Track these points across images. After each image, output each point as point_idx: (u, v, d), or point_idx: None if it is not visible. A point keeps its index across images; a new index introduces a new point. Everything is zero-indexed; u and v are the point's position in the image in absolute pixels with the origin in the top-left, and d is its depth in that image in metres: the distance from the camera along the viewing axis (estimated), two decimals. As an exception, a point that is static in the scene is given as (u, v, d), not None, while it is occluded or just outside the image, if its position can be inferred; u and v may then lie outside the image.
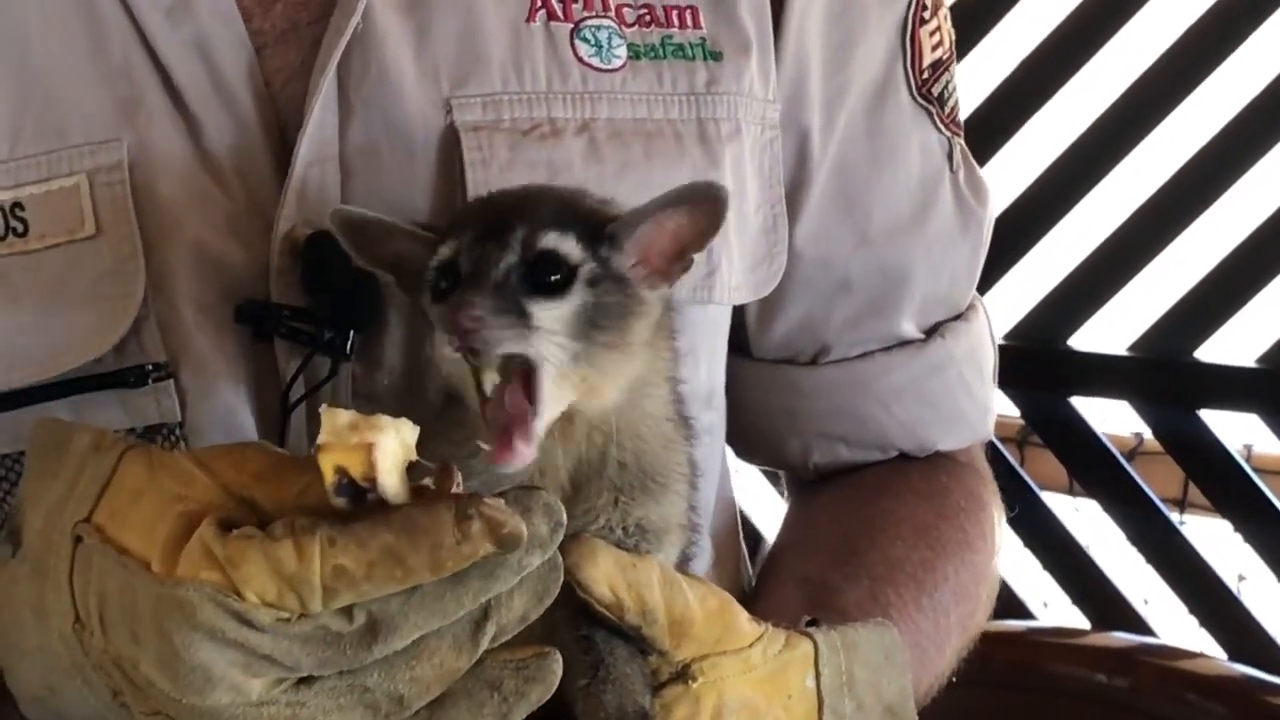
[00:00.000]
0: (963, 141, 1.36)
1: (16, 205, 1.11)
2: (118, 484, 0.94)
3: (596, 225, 0.98)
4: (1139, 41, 2.65)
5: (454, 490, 0.87)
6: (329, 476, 0.86)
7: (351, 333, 1.10)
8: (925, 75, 1.32)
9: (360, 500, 0.86)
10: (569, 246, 0.96)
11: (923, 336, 1.36)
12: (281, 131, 1.13)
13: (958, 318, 1.38)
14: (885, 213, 1.31)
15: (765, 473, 2.66)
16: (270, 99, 1.13)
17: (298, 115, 1.12)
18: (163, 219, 1.11)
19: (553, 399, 0.93)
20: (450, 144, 1.14)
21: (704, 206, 0.99)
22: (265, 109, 1.13)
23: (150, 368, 1.10)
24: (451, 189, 1.14)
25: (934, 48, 1.32)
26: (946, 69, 1.34)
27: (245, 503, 0.91)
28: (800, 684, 1.02)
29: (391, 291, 1.11)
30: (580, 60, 1.18)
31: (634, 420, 1.00)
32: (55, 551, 0.94)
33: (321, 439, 0.86)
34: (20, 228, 1.11)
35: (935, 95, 1.33)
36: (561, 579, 0.90)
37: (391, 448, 0.86)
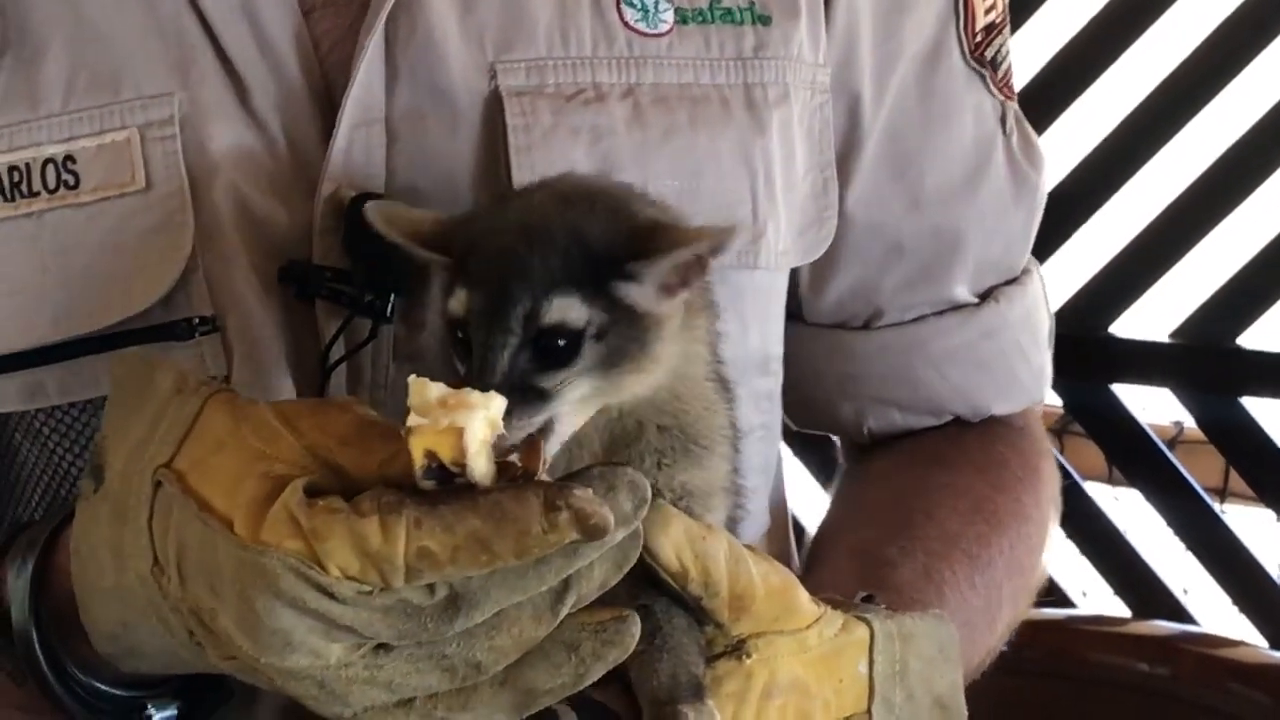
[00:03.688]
0: (1016, 106, 1.35)
1: (69, 158, 1.11)
2: (200, 432, 0.94)
3: (607, 263, 0.94)
4: (1180, 30, 2.64)
5: (541, 466, 0.87)
6: (419, 460, 0.85)
7: (392, 295, 1.10)
8: (978, 39, 1.31)
9: (448, 482, 0.86)
10: (573, 312, 0.93)
11: (976, 300, 1.35)
12: (328, 94, 1.13)
13: (1012, 282, 1.37)
14: (937, 176, 1.31)
15: (810, 469, 2.67)
16: (318, 62, 1.13)
17: (344, 78, 1.12)
18: (211, 176, 1.11)
19: (569, 429, 0.94)
20: (494, 109, 1.14)
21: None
22: (312, 72, 1.13)
23: (197, 321, 1.11)
24: (495, 154, 1.13)
25: (987, 10, 1.31)
26: (1000, 33, 1.33)
27: (328, 466, 0.90)
28: (853, 669, 1.02)
29: None
30: (626, 25, 1.17)
31: (672, 383, 1.00)
32: (135, 493, 0.94)
33: (411, 420, 0.85)
34: (71, 180, 1.11)
35: (988, 59, 1.32)
36: (641, 546, 0.90)
37: (479, 428, 0.86)
